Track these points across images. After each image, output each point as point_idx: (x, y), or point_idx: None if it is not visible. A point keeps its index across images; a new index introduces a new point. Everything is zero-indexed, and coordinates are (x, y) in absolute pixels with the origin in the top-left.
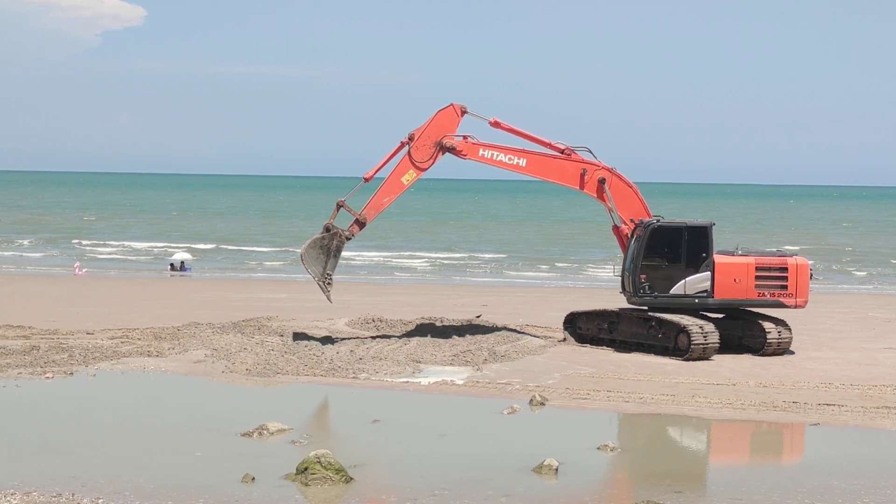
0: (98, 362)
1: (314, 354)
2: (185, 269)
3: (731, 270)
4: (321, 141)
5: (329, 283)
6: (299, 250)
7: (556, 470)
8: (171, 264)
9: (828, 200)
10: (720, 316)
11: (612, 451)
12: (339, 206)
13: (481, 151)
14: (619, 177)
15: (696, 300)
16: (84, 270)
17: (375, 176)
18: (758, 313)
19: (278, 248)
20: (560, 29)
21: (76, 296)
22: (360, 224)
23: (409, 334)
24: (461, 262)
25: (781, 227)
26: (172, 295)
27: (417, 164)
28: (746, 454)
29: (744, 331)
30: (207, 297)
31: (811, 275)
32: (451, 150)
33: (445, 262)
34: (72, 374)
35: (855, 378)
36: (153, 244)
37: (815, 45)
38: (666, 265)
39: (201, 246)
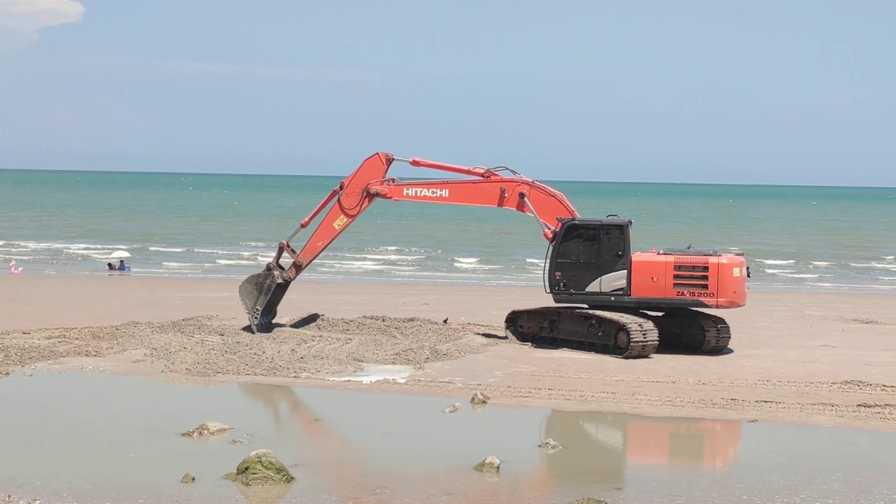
0: (35, 362)
1: (255, 353)
2: (123, 269)
3: (648, 269)
4: (267, 138)
5: (256, 317)
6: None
7: (498, 468)
8: (110, 263)
9: (796, 200)
10: (660, 314)
11: (553, 448)
12: (281, 248)
13: (405, 191)
14: (540, 188)
15: (612, 298)
16: (20, 269)
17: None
18: (697, 312)
19: (184, 249)
20: (552, 30)
21: (12, 295)
22: (297, 266)
23: (351, 333)
24: (404, 260)
25: (737, 226)
26: (111, 294)
27: (347, 210)
28: (686, 451)
29: (683, 329)
30: (147, 296)
31: (748, 274)
32: (377, 195)
33: (388, 260)
34: (7, 374)
35: (792, 375)
36: (48, 244)
37: (791, 45)
38: (581, 262)
39: (83, 246)
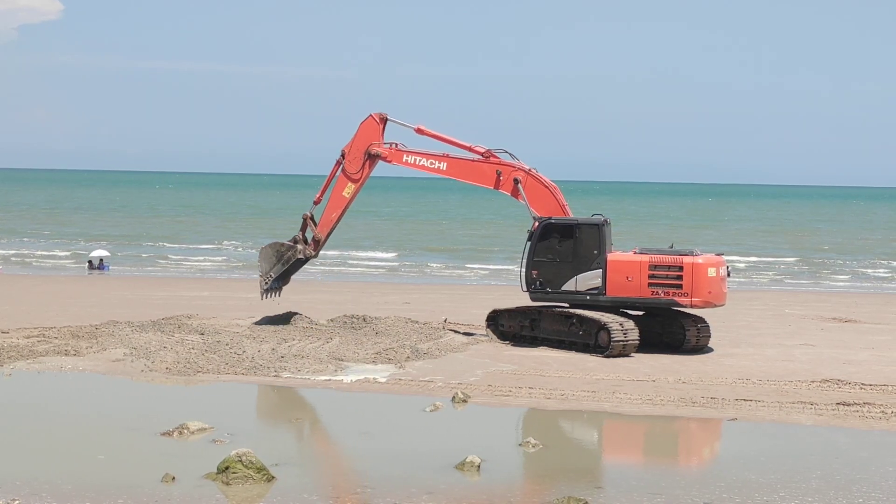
0: (14, 361)
1: (235, 353)
2: (103, 268)
3: (623, 268)
4: (252, 136)
5: (266, 283)
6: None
7: (479, 467)
8: (90, 261)
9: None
10: (640, 313)
11: (533, 447)
12: (305, 220)
13: (405, 157)
14: (536, 177)
15: (588, 297)
16: (0, 268)
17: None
18: (678, 311)
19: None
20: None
21: None
22: (317, 242)
23: (332, 332)
24: (387, 260)
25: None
26: (91, 293)
27: (352, 176)
28: (666, 449)
29: (663, 328)
30: (127, 295)
31: (728, 273)
32: (378, 156)
33: (370, 259)
34: None
35: (771, 374)
36: None
37: (779, 44)
38: (558, 261)
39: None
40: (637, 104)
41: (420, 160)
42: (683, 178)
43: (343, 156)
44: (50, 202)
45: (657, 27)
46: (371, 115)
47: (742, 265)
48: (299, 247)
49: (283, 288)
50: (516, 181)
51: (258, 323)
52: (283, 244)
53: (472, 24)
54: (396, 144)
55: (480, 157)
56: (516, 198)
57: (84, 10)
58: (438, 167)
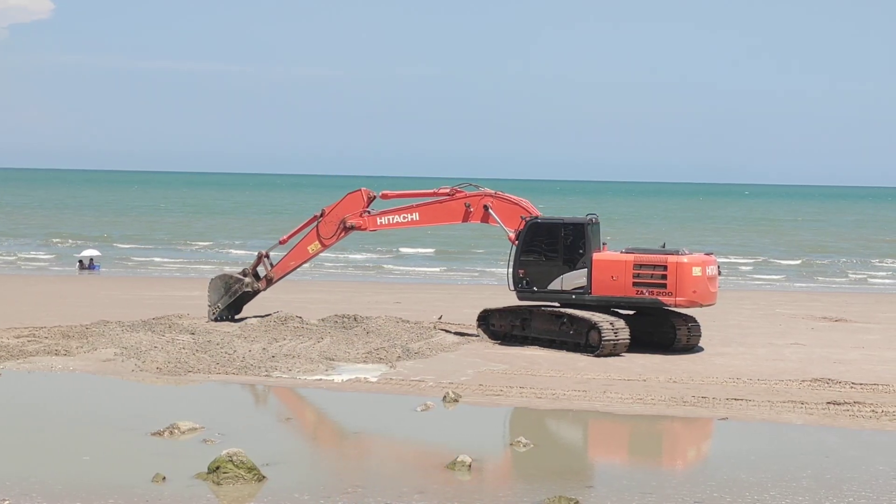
0: (4, 361)
1: (226, 352)
2: (93, 268)
3: (608, 267)
4: (247, 136)
5: (215, 313)
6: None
7: (470, 466)
8: (80, 261)
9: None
10: (631, 312)
11: (524, 446)
12: (259, 257)
13: (379, 220)
14: (503, 198)
15: (574, 296)
16: None
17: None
18: (669, 310)
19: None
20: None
21: None
22: (269, 280)
23: (323, 332)
24: (377, 259)
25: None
26: (81, 293)
27: (322, 238)
28: (656, 449)
29: (654, 327)
30: (118, 294)
31: (719, 272)
32: (353, 228)
33: (360, 259)
34: None
35: (762, 373)
36: None
37: (774, 42)
38: (544, 261)
39: None
40: (635, 105)
41: (393, 218)
42: (682, 178)
43: (322, 214)
44: (34, 202)
45: (656, 28)
46: (361, 190)
47: (746, 267)
48: (247, 280)
49: (236, 314)
50: (486, 207)
51: (249, 322)
52: (231, 276)
53: (473, 24)
54: (368, 212)
55: (447, 196)
56: (489, 223)
57: (75, 9)
58: (412, 219)
